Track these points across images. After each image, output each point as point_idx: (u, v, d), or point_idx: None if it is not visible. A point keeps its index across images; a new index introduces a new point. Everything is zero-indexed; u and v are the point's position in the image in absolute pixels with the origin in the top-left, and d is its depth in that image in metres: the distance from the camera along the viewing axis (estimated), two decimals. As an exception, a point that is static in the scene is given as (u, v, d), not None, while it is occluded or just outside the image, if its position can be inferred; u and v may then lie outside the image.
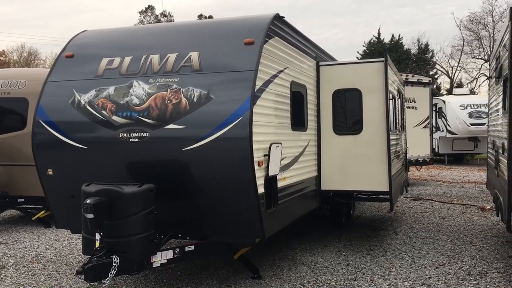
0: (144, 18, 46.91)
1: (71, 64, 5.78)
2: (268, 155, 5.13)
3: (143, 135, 5.08)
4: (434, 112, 19.27)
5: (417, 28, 63.59)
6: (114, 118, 5.22)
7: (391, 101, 7.60)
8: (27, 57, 44.17)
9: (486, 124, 9.27)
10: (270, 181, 5.23)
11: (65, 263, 6.56)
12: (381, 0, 61.31)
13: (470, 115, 19.81)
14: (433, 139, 17.71)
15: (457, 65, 38.38)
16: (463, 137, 20.26)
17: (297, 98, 6.40)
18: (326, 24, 65.52)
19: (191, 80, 5.10)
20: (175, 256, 5.16)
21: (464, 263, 6.28)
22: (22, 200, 8.90)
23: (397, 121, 8.75)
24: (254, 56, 5.02)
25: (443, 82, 41.13)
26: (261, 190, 4.96)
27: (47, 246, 7.53)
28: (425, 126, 14.63)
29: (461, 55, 37.62)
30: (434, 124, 18.95)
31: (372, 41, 37.81)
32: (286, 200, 5.78)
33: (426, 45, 38.56)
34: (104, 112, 5.28)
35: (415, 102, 14.33)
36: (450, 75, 38.98)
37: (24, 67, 39.20)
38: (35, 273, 6.15)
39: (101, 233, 4.59)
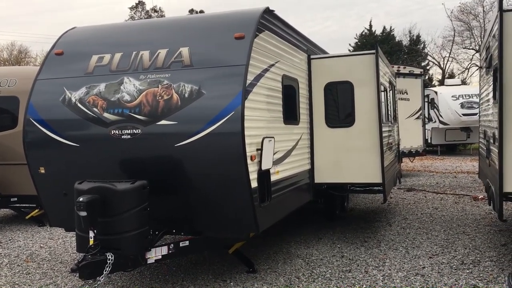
0: (134, 13, 46.61)
1: (61, 62, 5.74)
2: (261, 149, 5.13)
3: (135, 132, 5.06)
4: (426, 103, 19.35)
5: (408, 19, 63.75)
6: (106, 115, 5.20)
7: (382, 93, 7.62)
8: (17, 55, 43.79)
9: (478, 114, 9.31)
10: (263, 175, 5.24)
11: (60, 261, 6.55)
12: (373, -8, 61.28)
13: (462, 105, 19.90)
14: (426, 130, 17.80)
15: (449, 56, 38.60)
16: (455, 127, 20.38)
17: (289, 92, 6.40)
18: (318, 17, 65.44)
19: (182, 76, 5.08)
20: (170, 252, 5.16)
21: (457, 253, 6.33)
22: (16, 199, 8.85)
23: (389, 113, 8.78)
24: (244, 51, 5.01)
25: (435, 73, 41.35)
26: (254, 184, 4.97)
27: (41, 245, 7.51)
28: (418, 117, 14.68)
29: (452, 45, 37.81)
30: (426, 115, 19.02)
31: (363, 33, 37.78)
32: (280, 194, 5.79)
33: (418, 36, 38.68)
34: (95, 109, 5.26)
35: (407, 94, 14.38)
36: (442, 66, 39.16)
37: (14, 65, 38.86)
38: (29, 272, 6.13)
39: (95, 231, 4.59)
